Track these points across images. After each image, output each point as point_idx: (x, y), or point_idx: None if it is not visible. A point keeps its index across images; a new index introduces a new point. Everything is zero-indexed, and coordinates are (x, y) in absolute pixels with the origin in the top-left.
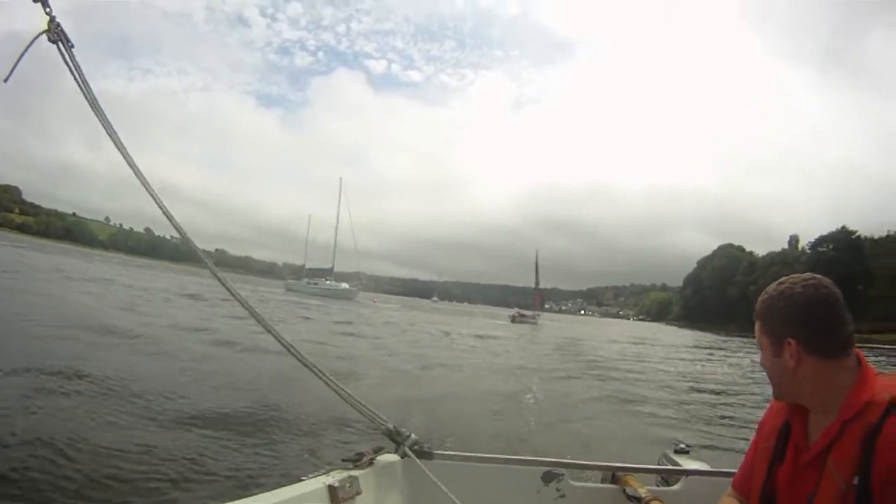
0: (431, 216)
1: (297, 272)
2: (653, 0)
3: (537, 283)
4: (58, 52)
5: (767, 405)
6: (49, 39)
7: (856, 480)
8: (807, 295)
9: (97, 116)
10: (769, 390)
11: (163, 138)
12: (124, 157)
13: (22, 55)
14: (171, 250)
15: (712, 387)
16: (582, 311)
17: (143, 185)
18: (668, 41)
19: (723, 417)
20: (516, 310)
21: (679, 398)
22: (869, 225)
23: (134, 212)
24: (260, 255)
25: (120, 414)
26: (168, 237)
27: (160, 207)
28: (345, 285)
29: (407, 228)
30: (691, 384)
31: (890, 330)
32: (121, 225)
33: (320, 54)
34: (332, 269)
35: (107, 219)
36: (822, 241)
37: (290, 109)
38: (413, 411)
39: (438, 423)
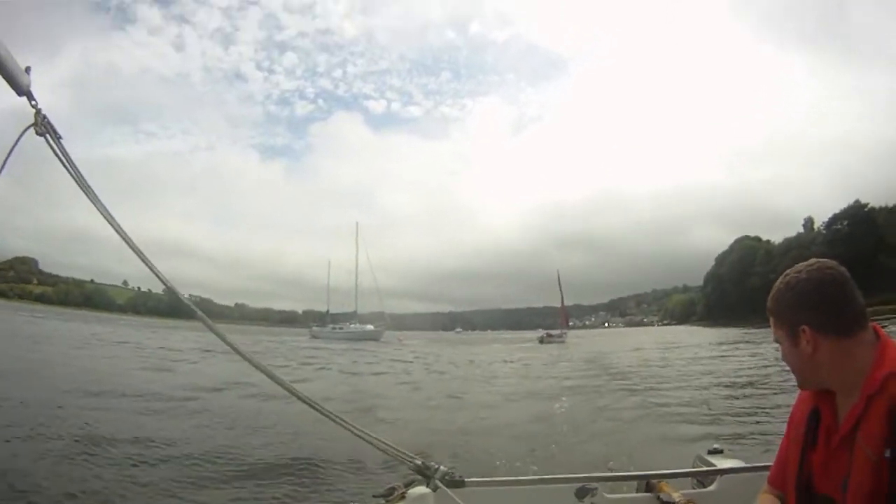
0: (443, 248)
1: (321, 318)
2: (640, 3)
3: (562, 302)
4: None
5: (792, 394)
6: (37, 133)
7: (888, 454)
8: (811, 280)
9: (88, 197)
10: (792, 379)
11: (171, 199)
12: (110, 223)
13: (10, 151)
14: (190, 309)
15: (735, 380)
16: (606, 324)
17: (129, 244)
18: (659, 42)
19: (750, 411)
20: (543, 331)
21: (704, 397)
22: (880, 195)
23: (149, 274)
24: (279, 305)
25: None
26: (187, 295)
27: (144, 262)
28: (370, 327)
29: (420, 263)
30: (714, 381)
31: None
32: (139, 288)
33: (320, 101)
34: (355, 311)
35: (125, 283)
36: (835, 219)
37: (294, 158)
38: (446, 442)
39: (471, 451)
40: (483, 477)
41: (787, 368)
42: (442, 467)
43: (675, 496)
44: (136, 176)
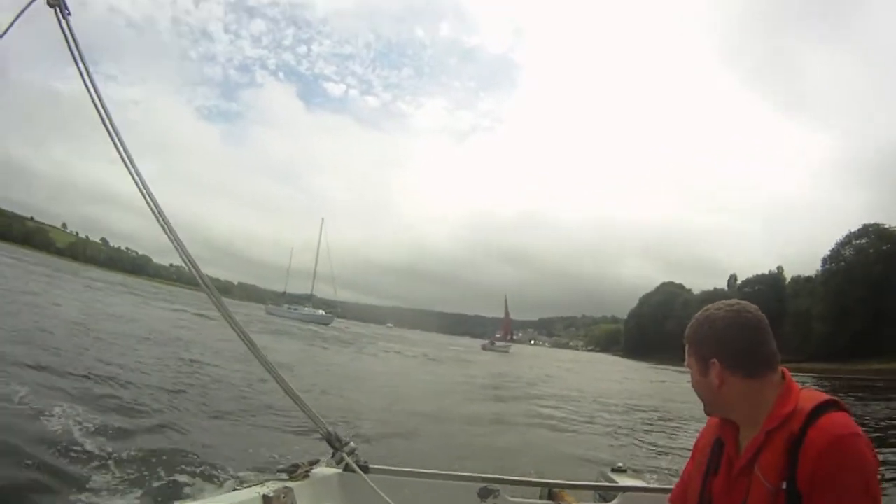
0: (377, 241)
1: (276, 297)
2: (599, 43)
3: (507, 314)
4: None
5: (692, 423)
6: (48, 3)
7: (784, 485)
8: (727, 319)
9: (90, 93)
10: (695, 408)
11: (110, 145)
12: (125, 163)
13: (19, 16)
14: (129, 263)
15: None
16: (533, 342)
17: (154, 212)
18: (614, 75)
19: (656, 437)
20: (490, 339)
21: (620, 421)
22: (805, 261)
23: (88, 218)
24: (208, 270)
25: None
26: (124, 248)
27: (171, 239)
28: (321, 312)
29: (353, 252)
30: (635, 406)
31: (795, 360)
32: (77, 233)
33: (280, 74)
34: (311, 295)
35: (64, 225)
36: (748, 282)
37: (239, 125)
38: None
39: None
40: (387, 465)
41: (695, 396)
42: (351, 443)
43: None
44: (81, 114)
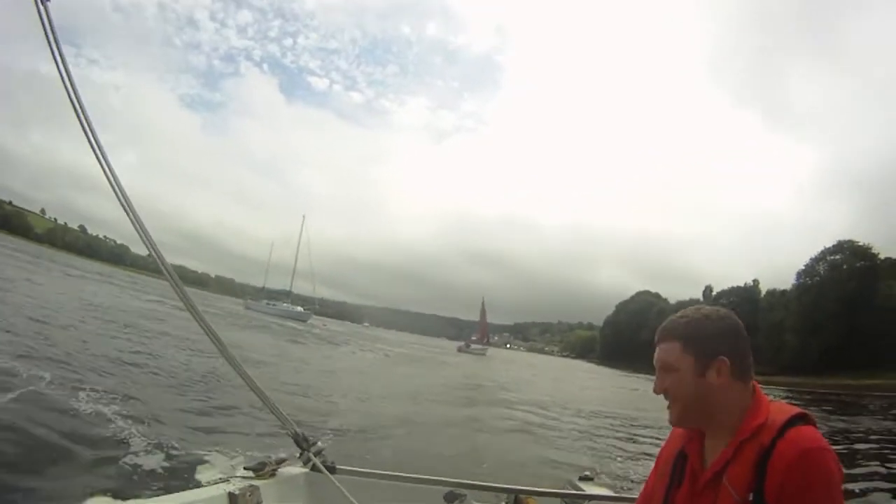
0: (355, 237)
1: (255, 292)
2: (584, 49)
3: (483, 316)
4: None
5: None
6: None
7: (751, 497)
8: (733, 318)
9: (63, 79)
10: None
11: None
12: (87, 132)
13: None
14: (107, 252)
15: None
16: (508, 346)
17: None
18: (598, 84)
19: (628, 446)
20: (466, 341)
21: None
22: (781, 275)
23: (66, 204)
24: (182, 261)
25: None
26: (103, 237)
27: (136, 226)
28: (299, 308)
29: (331, 249)
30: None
31: (767, 373)
32: (56, 219)
33: (265, 66)
34: (290, 291)
35: (42, 211)
36: (723, 294)
37: (220, 115)
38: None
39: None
40: (354, 466)
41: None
42: (319, 443)
43: None
44: (64, 98)
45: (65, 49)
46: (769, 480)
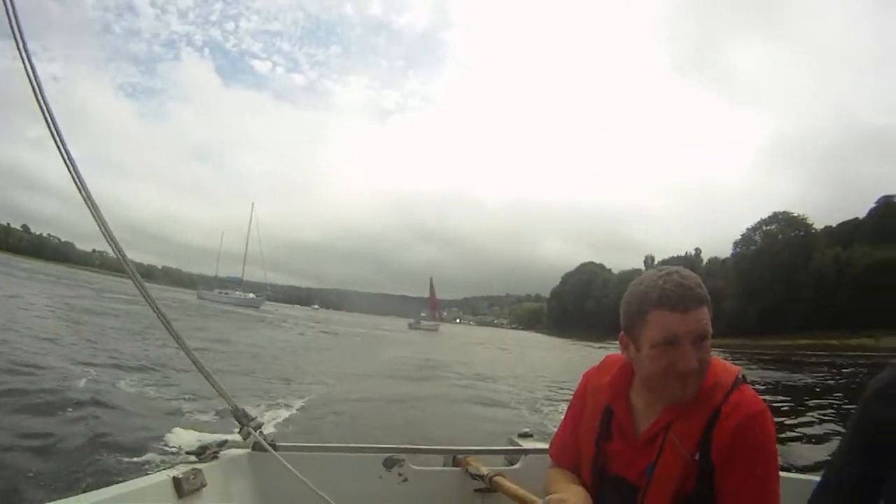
0: (298, 219)
1: (207, 281)
2: (527, 26)
3: (432, 293)
4: None
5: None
6: None
7: (697, 456)
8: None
9: (26, 69)
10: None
11: (25, 123)
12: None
13: None
14: (53, 251)
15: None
16: (458, 320)
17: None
18: (538, 54)
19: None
20: (416, 318)
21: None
22: (724, 241)
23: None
24: (136, 256)
25: None
26: (46, 235)
27: (99, 224)
28: (252, 295)
29: (275, 232)
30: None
31: None
32: None
33: (206, 50)
34: (241, 279)
35: None
36: (664, 263)
37: (159, 101)
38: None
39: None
40: (294, 442)
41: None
42: (259, 419)
43: (485, 470)
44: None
45: (2, 42)
46: (716, 441)
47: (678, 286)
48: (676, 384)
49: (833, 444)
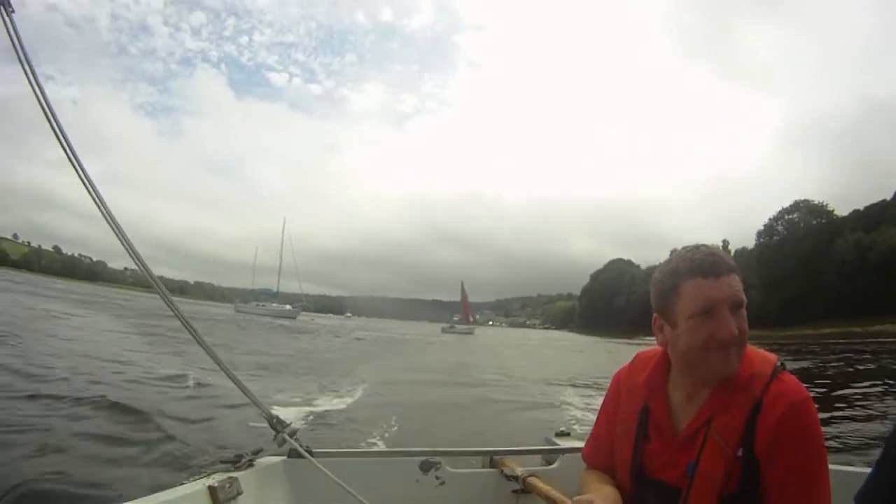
0: (325, 229)
1: (244, 295)
2: (543, 24)
3: (464, 297)
4: None
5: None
6: None
7: (740, 452)
8: None
9: (35, 93)
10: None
11: (44, 146)
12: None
13: None
14: (85, 270)
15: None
16: (490, 322)
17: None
18: (555, 55)
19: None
20: (450, 322)
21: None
22: (748, 233)
23: (25, 224)
24: (166, 273)
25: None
26: (77, 255)
27: (122, 241)
28: (288, 307)
29: (303, 242)
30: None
31: None
32: (29, 243)
33: (222, 66)
34: (277, 292)
35: (15, 236)
36: None
37: (175, 119)
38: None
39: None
40: (329, 449)
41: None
42: (293, 425)
43: (520, 471)
44: (13, 117)
45: (16, 66)
46: (759, 435)
47: (709, 254)
48: (718, 357)
49: (874, 429)
